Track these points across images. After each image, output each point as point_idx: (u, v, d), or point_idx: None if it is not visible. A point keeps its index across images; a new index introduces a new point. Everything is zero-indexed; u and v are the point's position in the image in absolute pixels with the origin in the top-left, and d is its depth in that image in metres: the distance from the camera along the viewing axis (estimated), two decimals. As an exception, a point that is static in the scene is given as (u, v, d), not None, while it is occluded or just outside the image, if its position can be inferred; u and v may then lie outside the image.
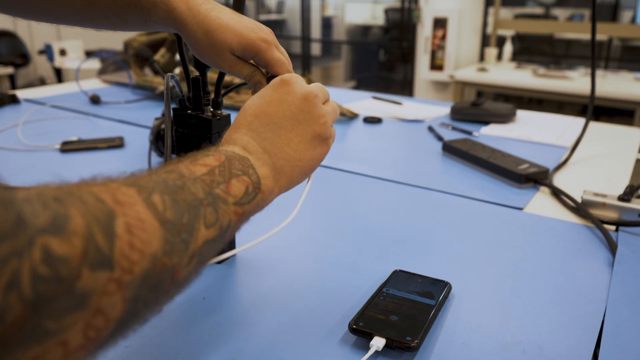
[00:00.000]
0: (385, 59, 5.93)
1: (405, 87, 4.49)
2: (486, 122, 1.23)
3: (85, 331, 0.24)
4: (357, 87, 5.87)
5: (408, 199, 0.80)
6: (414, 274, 0.56)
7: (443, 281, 0.55)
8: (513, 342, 0.47)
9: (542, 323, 0.50)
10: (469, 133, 1.14)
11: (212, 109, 0.57)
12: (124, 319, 0.27)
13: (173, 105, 0.57)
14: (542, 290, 0.55)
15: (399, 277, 0.55)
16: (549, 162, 0.96)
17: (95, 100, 1.41)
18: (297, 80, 0.46)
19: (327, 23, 7.47)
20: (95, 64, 2.83)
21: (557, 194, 0.80)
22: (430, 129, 1.17)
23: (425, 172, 0.91)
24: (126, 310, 0.26)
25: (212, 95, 0.57)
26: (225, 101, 1.38)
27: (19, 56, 4.28)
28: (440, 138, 1.09)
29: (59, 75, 3.75)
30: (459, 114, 1.25)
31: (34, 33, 4.47)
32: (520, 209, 0.76)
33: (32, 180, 0.85)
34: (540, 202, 0.79)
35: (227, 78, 1.44)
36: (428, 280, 0.55)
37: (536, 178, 0.83)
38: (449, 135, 1.13)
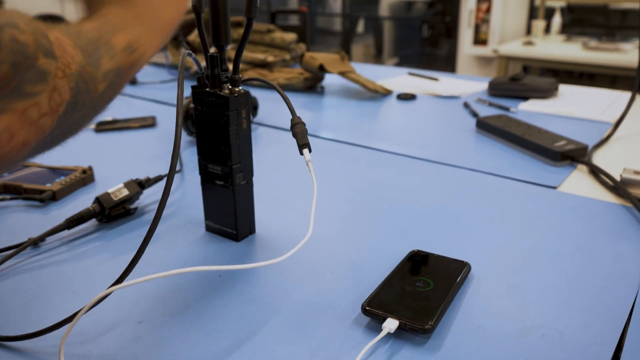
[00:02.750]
0: (428, 34, 5.78)
1: (449, 64, 4.37)
2: (526, 98, 1.18)
3: (49, 100, 0.34)
4: (400, 64, 5.76)
5: (436, 177, 0.78)
6: (432, 254, 0.54)
7: (462, 262, 0.53)
8: (532, 326, 0.45)
9: (565, 308, 0.48)
10: (506, 109, 1.10)
11: (230, 86, 0.56)
12: (70, 104, 0.36)
13: (193, 84, 0.57)
14: (569, 274, 0.53)
15: (417, 257, 0.54)
16: (590, 139, 0.91)
17: (131, 81, 1.44)
18: None
19: (371, -1, 7.35)
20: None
21: (594, 172, 0.76)
22: (466, 105, 1.13)
23: (456, 150, 0.89)
24: (71, 96, 0.36)
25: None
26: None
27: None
28: (475, 114, 1.05)
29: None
30: (497, 89, 1.21)
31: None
32: (554, 187, 0.73)
33: (67, 160, 0.88)
34: (576, 181, 0.75)
35: (259, 56, 1.44)
36: (446, 261, 0.53)
37: (573, 155, 0.79)
38: (485, 111, 1.09)
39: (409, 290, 0.48)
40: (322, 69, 1.23)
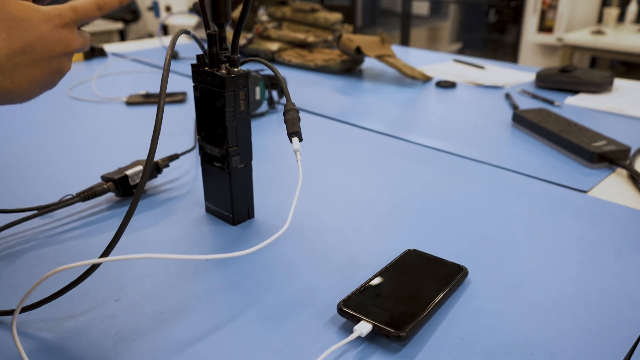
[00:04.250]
0: (495, 19, 5.54)
1: (515, 51, 4.18)
2: (576, 92, 1.10)
3: None
4: (462, 50, 5.57)
5: (457, 172, 0.73)
6: (428, 255, 0.51)
7: (459, 265, 0.49)
8: (521, 344, 0.41)
9: (564, 327, 0.43)
10: (551, 102, 1.02)
11: (228, 66, 0.54)
12: None
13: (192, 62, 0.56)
14: (577, 289, 0.48)
15: (411, 257, 0.51)
16: (636, 140, 0.83)
17: (173, 55, 1.45)
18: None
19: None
20: (194, 20, 2.92)
21: (634, 177, 0.69)
22: (507, 96, 1.06)
23: (486, 145, 0.83)
24: None
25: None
26: (295, 60, 1.36)
27: (130, 12, 4.53)
28: (514, 107, 0.99)
29: (165, 31, 3.93)
30: (544, 81, 1.13)
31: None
32: (584, 191, 0.67)
33: (94, 131, 0.90)
34: (612, 186, 0.69)
35: (300, 36, 1.41)
36: (442, 263, 0.50)
37: (612, 157, 0.73)
38: (527, 104, 1.02)
39: (392, 292, 0.45)
40: (358, 52, 1.19)
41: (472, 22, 5.67)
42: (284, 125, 0.93)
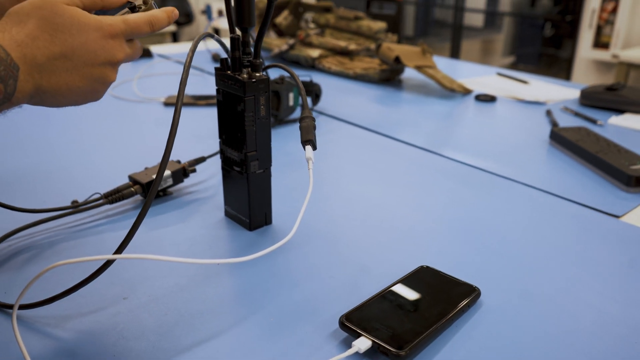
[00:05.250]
0: (551, 33, 5.38)
1: (570, 67, 4.04)
2: (622, 111, 1.05)
3: None
4: (515, 64, 5.43)
5: (486, 189, 0.71)
6: (441, 273, 0.49)
7: (471, 286, 0.47)
8: (527, 374, 0.39)
9: (577, 359, 0.41)
10: (593, 121, 0.98)
11: (249, 71, 0.54)
12: None
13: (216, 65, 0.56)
14: (597, 319, 0.45)
15: (423, 274, 0.49)
16: (684, 165, 0.78)
17: (215, 58, 1.47)
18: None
19: (495, -8, 6.97)
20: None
21: (676, 204, 0.65)
22: (548, 113, 1.02)
23: (520, 162, 0.80)
24: None
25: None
26: (335, 67, 1.36)
27: (184, 15, 4.65)
28: (554, 124, 0.95)
29: (217, 34, 4.01)
30: (589, 99, 1.08)
31: None
32: (617, 216, 0.63)
33: (130, 130, 0.92)
34: (650, 212, 0.65)
35: (341, 43, 1.41)
36: (455, 282, 0.48)
37: (652, 182, 0.69)
38: (568, 122, 0.98)
39: (398, 309, 0.44)
40: (397, 61, 1.18)
41: (526, 36, 5.53)
42: (317, 131, 0.92)
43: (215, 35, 0.54)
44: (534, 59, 5.49)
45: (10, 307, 0.45)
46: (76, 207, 0.62)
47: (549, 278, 0.51)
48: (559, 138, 0.84)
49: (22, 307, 0.45)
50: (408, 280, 0.48)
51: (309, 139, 0.50)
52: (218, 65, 1.43)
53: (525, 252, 0.55)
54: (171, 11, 0.49)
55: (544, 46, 5.44)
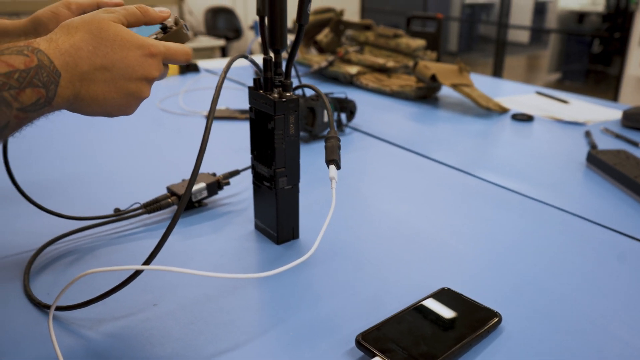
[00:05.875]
0: (599, 50, 5.24)
1: (617, 85, 3.92)
2: (667, 134, 1.02)
3: None
4: (562, 81, 5.31)
5: (517, 212, 0.70)
6: (462, 296, 0.49)
7: (492, 311, 0.47)
8: (543, 402, 0.39)
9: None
10: (635, 144, 0.95)
11: (280, 90, 0.56)
12: None
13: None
14: (626, 354, 0.44)
15: (444, 296, 0.49)
16: None
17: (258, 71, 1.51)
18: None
19: (541, 8, 6.86)
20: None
21: None
22: (587, 134, 1.00)
23: (554, 185, 0.79)
24: None
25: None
26: (372, 84, 1.37)
27: (233, 30, 4.77)
28: (592, 146, 0.93)
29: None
30: (632, 120, 1.05)
31: (248, 9, 4.92)
32: (652, 245, 0.62)
33: (173, 142, 0.95)
34: (688, 241, 0.63)
35: (380, 60, 1.42)
36: (475, 306, 0.48)
37: (692, 210, 0.66)
38: (609, 144, 0.96)
39: (416, 331, 0.44)
40: (433, 79, 1.18)
41: (573, 52, 5.40)
42: (348, 148, 0.94)
43: (249, 57, 0.56)
44: (580, 75, 5.35)
45: (49, 307, 0.48)
46: (117, 216, 0.65)
47: (575, 307, 0.50)
48: (597, 161, 0.82)
49: (59, 308, 0.47)
50: (428, 301, 0.48)
51: (333, 159, 0.51)
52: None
53: (553, 279, 0.55)
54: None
55: (591, 63, 5.30)
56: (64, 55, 0.42)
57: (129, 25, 0.49)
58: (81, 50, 0.43)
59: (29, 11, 0.58)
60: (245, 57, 0.56)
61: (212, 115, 0.48)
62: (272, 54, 0.56)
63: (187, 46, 0.51)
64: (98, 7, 0.58)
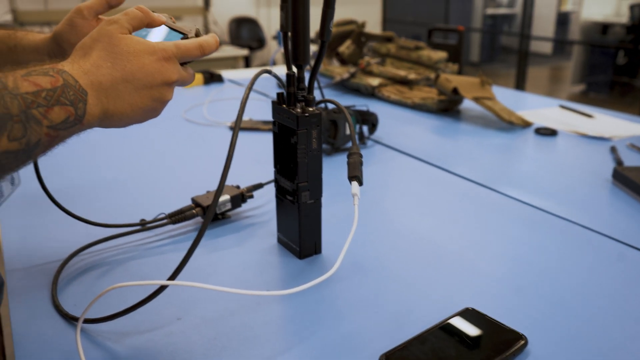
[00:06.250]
0: (624, 61, 5.16)
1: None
2: (696, 151, 0.99)
3: None
4: (586, 92, 5.24)
5: (542, 230, 0.69)
6: (487, 317, 0.49)
7: (518, 334, 0.46)
8: None
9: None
10: (663, 161, 0.93)
11: (303, 105, 0.56)
12: None
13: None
14: (652, 376, 0.43)
15: (468, 316, 0.49)
16: None
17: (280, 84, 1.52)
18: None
19: (563, 19, 6.80)
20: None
21: None
22: (613, 150, 0.99)
23: (579, 203, 0.78)
24: None
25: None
26: (394, 96, 1.37)
27: (256, 40, 4.81)
28: (618, 162, 0.92)
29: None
30: (660, 136, 1.03)
31: (272, 20, 4.97)
32: (682, 266, 0.60)
33: (197, 152, 0.96)
34: None
35: (401, 73, 1.42)
36: (500, 328, 0.47)
37: None
38: (635, 160, 0.94)
39: (439, 352, 0.44)
40: (455, 92, 1.17)
41: (597, 63, 5.32)
42: (370, 161, 0.94)
43: (272, 72, 0.57)
44: (605, 87, 5.27)
45: (76, 319, 0.48)
46: (143, 225, 0.66)
47: (605, 331, 0.49)
48: (623, 178, 0.81)
49: (86, 321, 0.48)
50: (452, 321, 0.48)
51: (355, 175, 0.51)
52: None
53: (580, 301, 0.54)
54: (217, 37, 0.53)
55: (616, 75, 5.22)
56: (87, 74, 0.44)
57: (135, 29, 0.50)
58: (101, 67, 0.45)
59: (60, 21, 0.59)
60: (269, 72, 0.56)
61: (237, 132, 0.48)
62: (295, 69, 0.56)
63: (204, 39, 0.51)
64: (108, 5, 0.60)
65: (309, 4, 0.53)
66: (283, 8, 0.54)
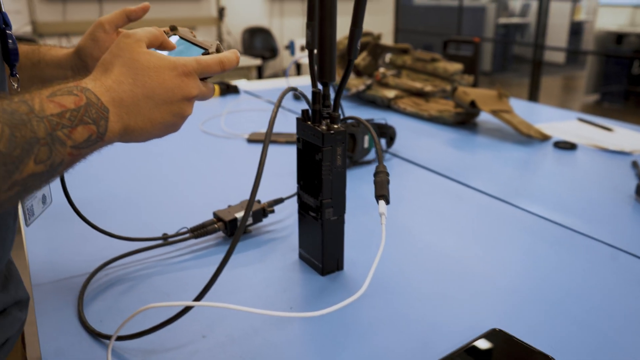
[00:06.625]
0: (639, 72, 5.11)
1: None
2: None
3: None
4: (600, 102, 5.21)
5: (565, 247, 0.69)
6: (514, 338, 0.48)
7: (545, 355, 0.46)
8: None
9: None
10: (686, 177, 0.92)
11: (328, 122, 0.56)
12: None
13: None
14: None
15: (494, 338, 0.48)
16: None
17: (297, 97, 1.52)
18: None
19: (577, 29, 6.77)
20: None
21: None
22: (634, 164, 0.98)
23: (602, 219, 0.77)
24: None
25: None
26: (410, 108, 1.37)
27: (269, 50, 4.84)
28: (641, 178, 0.91)
29: (298, 69, 4.14)
30: (681, 151, 1.02)
31: (284, 30, 5.00)
32: None
33: (215, 165, 0.97)
34: None
35: (417, 85, 1.42)
36: (527, 350, 0.47)
37: None
38: (657, 175, 0.93)
39: (468, 373, 0.43)
40: (473, 105, 1.17)
41: (612, 73, 5.29)
42: (392, 175, 0.93)
43: (298, 89, 0.57)
44: (619, 97, 5.23)
45: (107, 337, 0.48)
46: (166, 240, 0.67)
47: (632, 353, 0.49)
48: (646, 194, 0.80)
49: (104, 336, 0.49)
50: (479, 344, 0.48)
51: (382, 194, 0.51)
52: (302, 101, 1.47)
53: (608, 322, 0.53)
54: (237, 53, 0.53)
55: (631, 84, 5.18)
56: (109, 91, 0.44)
57: (150, 44, 0.50)
58: (122, 84, 0.45)
59: (78, 32, 0.60)
60: (295, 89, 0.56)
61: (266, 150, 0.49)
62: (320, 86, 0.56)
63: (224, 55, 0.52)
64: (127, 18, 0.61)
65: (336, 23, 0.53)
66: (309, 26, 0.54)
